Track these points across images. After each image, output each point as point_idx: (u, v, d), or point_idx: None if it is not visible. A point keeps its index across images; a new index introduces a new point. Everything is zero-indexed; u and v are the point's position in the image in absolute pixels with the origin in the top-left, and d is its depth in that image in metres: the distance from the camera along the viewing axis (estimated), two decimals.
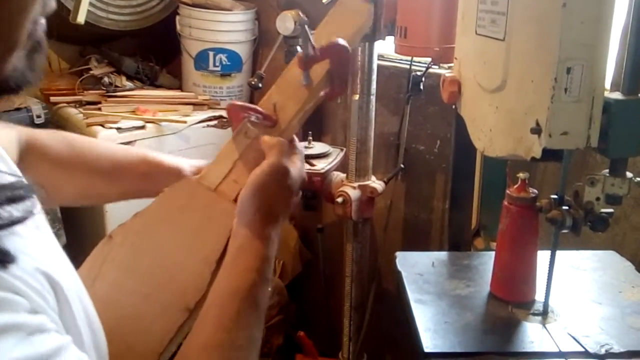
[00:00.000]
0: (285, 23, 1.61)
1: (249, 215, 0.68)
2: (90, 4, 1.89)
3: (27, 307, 0.43)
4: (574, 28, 0.74)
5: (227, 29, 2.15)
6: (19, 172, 0.58)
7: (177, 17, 2.19)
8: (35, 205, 0.48)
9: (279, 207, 0.70)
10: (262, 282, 0.65)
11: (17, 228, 0.46)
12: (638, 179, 0.84)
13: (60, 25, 1.86)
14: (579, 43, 0.75)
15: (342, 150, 1.83)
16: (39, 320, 0.44)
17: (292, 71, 0.78)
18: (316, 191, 1.60)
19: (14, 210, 0.45)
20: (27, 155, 0.78)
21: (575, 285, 1.07)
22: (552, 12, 0.75)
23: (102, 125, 1.86)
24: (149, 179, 0.83)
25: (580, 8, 0.74)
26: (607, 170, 0.85)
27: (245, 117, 0.75)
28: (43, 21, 0.49)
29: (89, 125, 1.86)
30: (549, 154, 0.82)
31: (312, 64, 0.75)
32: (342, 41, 0.76)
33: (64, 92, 2.07)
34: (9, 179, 0.48)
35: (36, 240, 0.52)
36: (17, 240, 0.46)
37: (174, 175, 0.82)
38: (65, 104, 2.02)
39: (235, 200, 0.72)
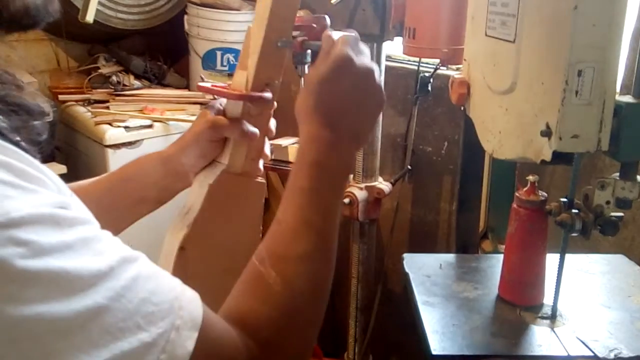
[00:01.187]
0: None
1: (303, 115, 0.62)
2: (99, 3, 1.89)
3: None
4: (586, 31, 0.74)
5: (235, 29, 2.15)
6: None
7: (185, 17, 2.20)
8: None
9: (341, 106, 0.61)
10: (309, 187, 0.58)
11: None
12: None
13: (69, 24, 1.87)
14: (590, 46, 0.75)
15: None
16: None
17: (268, 39, 0.73)
18: None
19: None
20: None
21: (584, 289, 1.06)
22: (563, 14, 0.75)
23: (110, 124, 1.87)
24: (128, 180, 0.79)
25: (592, 11, 0.73)
26: (618, 174, 0.85)
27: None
28: None
29: (97, 123, 1.86)
30: (559, 157, 0.81)
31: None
32: (326, 18, 0.76)
33: (72, 90, 2.08)
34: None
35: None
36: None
37: (154, 159, 0.79)
38: (73, 102, 2.03)
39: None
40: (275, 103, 0.78)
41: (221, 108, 0.78)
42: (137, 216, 0.80)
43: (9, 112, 0.45)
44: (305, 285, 0.55)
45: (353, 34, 0.65)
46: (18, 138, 0.44)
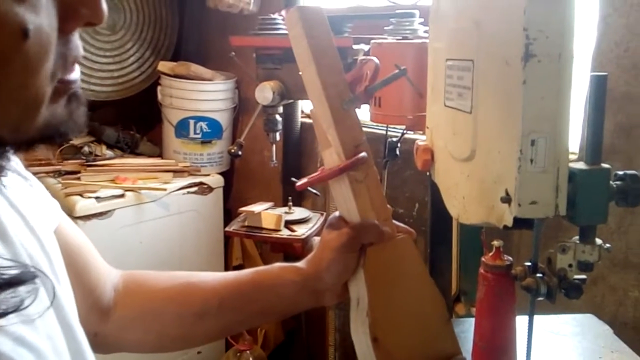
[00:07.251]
0: (264, 93, 1.66)
1: None
2: None
3: None
4: (535, 103, 0.78)
5: (207, 98, 2.19)
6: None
7: (159, 87, 2.24)
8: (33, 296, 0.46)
9: None
10: None
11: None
12: (607, 245, 0.85)
13: None
14: (540, 117, 0.78)
15: (322, 215, 1.84)
16: None
17: (334, 108, 0.75)
18: (297, 257, 1.59)
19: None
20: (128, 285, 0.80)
21: (555, 351, 1.06)
22: (514, 88, 0.78)
23: (81, 195, 1.86)
24: (261, 289, 0.80)
25: (540, 84, 0.77)
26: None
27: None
28: (72, 76, 0.49)
29: (67, 195, 1.85)
30: (520, 222, 0.83)
31: None
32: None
33: (43, 162, 2.08)
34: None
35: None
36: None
37: (292, 275, 0.80)
38: (43, 174, 2.02)
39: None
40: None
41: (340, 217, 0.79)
42: (253, 323, 0.81)
43: None
44: None
45: None
46: None
